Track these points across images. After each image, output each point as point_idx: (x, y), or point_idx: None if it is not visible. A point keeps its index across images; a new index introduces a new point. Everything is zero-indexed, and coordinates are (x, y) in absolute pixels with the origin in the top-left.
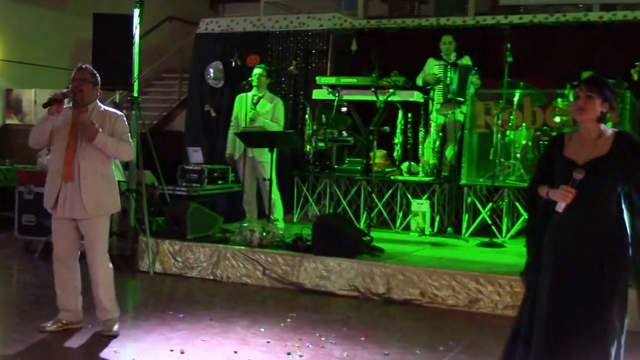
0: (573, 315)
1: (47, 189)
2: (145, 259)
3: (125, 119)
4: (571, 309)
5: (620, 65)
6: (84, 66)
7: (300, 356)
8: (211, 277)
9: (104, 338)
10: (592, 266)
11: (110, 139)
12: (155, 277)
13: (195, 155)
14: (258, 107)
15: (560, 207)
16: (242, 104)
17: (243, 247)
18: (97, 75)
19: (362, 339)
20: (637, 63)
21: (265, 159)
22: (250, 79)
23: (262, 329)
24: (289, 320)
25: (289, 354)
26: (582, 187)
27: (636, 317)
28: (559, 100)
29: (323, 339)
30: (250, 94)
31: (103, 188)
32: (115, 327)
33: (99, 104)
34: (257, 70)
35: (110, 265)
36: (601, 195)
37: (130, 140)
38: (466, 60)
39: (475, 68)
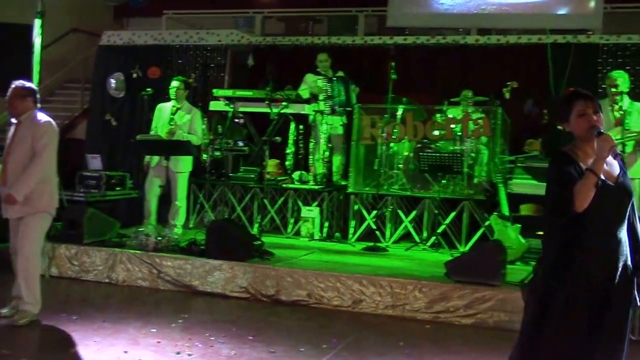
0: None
1: None
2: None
3: (50, 129)
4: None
5: (493, 85)
6: (14, 84)
7: (190, 355)
8: (107, 281)
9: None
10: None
11: (23, 186)
12: (50, 281)
13: (94, 162)
14: (176, 118)
15: (616, 151)
16: (161, 114)
17: (138, 251)
18: (27, 87)
19: (251, 338)
20: (508, 83)
21: (179, 168)
22: (149, 89)
23: (154, 330)
24: (180, 321)
25: (178, 353)
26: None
27: None
28: (438, 115)
29: (212, 338)
30: (169, 104)
31: (36, 188)
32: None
33: (35, 112)
34: (174, 83)
35: (39, 262)
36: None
37: (42, 155)
38: (341, 74)
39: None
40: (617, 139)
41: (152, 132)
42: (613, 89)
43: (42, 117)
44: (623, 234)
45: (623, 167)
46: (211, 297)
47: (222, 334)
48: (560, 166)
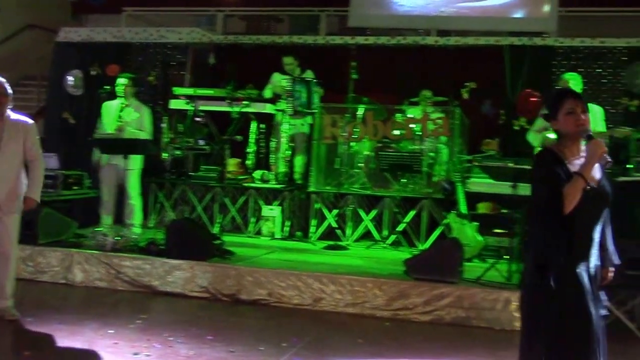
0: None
1: None
2: None
3: (35, 126)
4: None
5: (452, 85)
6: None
7: (148, 356)
8: (63, 281)
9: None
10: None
11: (38, 183)
12: None
13: (50, 161)
14: (124, 116)
15: (606, 159)
16: (110, 111)
17: (96, 252)
18: (6, 84)
19: (210, 337)
20: (467, 84)
21: (130, 166)
22: (107, 87)
23: (111, 331)
24: (138, 321)
25: (136, 354)
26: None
27: None
28: (398, 115)
29: (171, 338)
30: (116, 102)
31: (18, 188)
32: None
33: (9, 110)
34: (121, 80)
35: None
36: None
37: (41, 151)
38: (309, 74)
39: (314, 79)
40: None
41: (99, 130)
42: None
43: (19, 116)
44: (597, 235)
45: (604, 170)
46: (171, 297)
47: (181, 334)
48: (549, 166)
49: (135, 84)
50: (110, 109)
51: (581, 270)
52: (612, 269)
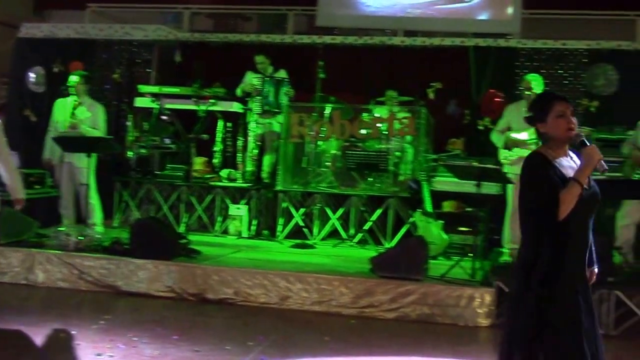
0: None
1: None
2: None
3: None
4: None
5: (418, 85)
6: None
7: (111, 356)
8: (24, 282)
9: None
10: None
11: (16, 183)
12: None
13: None
14: (77, 114)
15: (603, 165)
16: (61, 109)
17: (58, 252)
18: None
19: (175, 337)
20: (432, 84)
21: (84, 164)
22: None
23: (74, 332)
24: (102, 322)
25: (99, 354)
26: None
27: None
28: (365, 114)
29: (135, 339)
30: (69, 99)
31: None
32: None
33: None
34: (73, 78)
35: None
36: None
37: (8, 148)
38: (282, 74)
39: (287, 79)
40: (531, 139)
41: (50, 129)
42: (527, 92)
43: None
44: (590, 236)
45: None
46: (136, 298)
47: (145, 334)
48: (541, 171)
49: (88, 81)
50: (63, 106)
51: (575, 275)
52: (595, 269)
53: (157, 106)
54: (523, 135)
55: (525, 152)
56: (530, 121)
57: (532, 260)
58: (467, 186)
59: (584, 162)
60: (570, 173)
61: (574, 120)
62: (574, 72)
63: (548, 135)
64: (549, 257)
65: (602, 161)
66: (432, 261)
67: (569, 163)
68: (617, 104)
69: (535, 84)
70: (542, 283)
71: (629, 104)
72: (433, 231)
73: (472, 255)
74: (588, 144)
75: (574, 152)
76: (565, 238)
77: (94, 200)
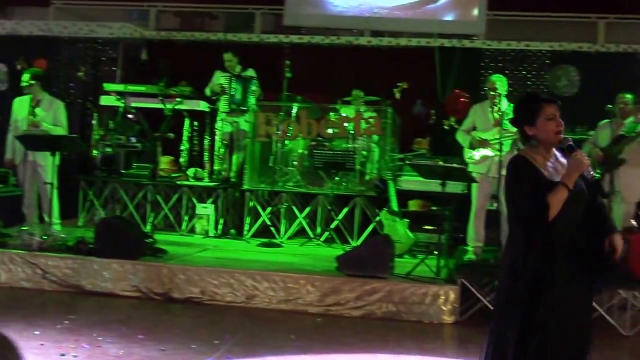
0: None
1: None
2: None
3: None
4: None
5: (385, 85)
6: None
7: (75, 356)
8: None
9: None
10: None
11: None
12: None
13: None
14: (37, 111)
15: (590, 172)
16: (21, 107)
17: (22, 251)
18: None
19: (141, 336)
20: (399, 84)
21: (46, 162)
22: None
23: (37, 332)
24: (66, 322)
25: (62, 355)
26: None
27: None
28: (332, 114)
29: (100, 339)
30: (26, 97)
31: None
32: None
33: None
34: (25, 76)
35: None
36: None
37: None
38: (250, 72)
39: (255, 77)
40: (495, 139)
41: (10, 127)
42: (492, 92)
43: None
44: (578, 236)
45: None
46: (101, 297)
47: (110, 334)
48: (526, 175)
49: (41, 78)
50: (21, 105)
51: (563, 273)
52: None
53: (123, 105)
54: (488, 135)
55: (489, 152)
56: (516, 123)
57: (521, 260)
58: (433, 185)
59: (572, 167)
60: (555, 175)
61: (560, 124)
62: (537, 73)
63: (536, 138)
64: (536, 256)
65: (590, 169)
66: (397, 259)
67: (554, 165)
68: (579, 104)
69: (500, 84)
70: (531, 282)
71: (590, 104)
72: (399, 230)
73: (437, 253)
74: (575, 148)
75: (558, 151)
76: (552, 237)
77: (54, 199)
